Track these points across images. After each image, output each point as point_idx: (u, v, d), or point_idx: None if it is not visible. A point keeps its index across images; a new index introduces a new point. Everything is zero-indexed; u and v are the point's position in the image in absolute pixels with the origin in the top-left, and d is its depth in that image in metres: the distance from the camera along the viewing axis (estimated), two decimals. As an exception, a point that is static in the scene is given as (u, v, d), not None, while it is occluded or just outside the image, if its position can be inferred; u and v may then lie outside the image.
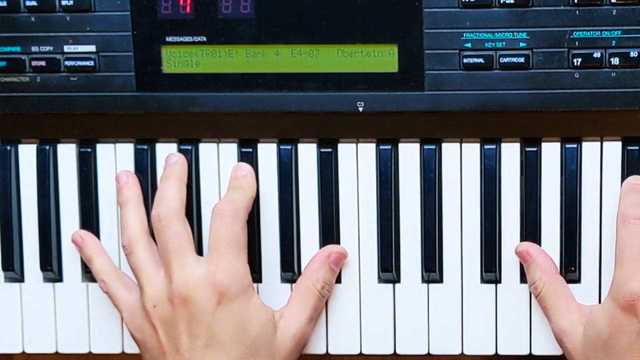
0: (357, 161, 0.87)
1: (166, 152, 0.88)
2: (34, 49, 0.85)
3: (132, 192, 0.87)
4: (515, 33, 0.82)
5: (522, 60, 0.82)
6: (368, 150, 0.87)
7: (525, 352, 0.87)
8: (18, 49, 0.85)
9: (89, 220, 0.88)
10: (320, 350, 0.88)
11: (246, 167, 0.87)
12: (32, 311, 0.90)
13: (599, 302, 0.86)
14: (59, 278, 0.90)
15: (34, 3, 0.85)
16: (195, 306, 0.82)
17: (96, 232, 0.89)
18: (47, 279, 0.90)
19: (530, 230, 0.86)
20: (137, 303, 0.85)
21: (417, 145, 0.86)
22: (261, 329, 0.83)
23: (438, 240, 0.87)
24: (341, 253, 0.87)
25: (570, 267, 0.85)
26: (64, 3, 0.84)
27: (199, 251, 0.88)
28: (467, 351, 0.87)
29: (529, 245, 0.85)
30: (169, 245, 0.83)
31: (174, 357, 0.82)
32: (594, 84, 0.83)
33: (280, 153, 0.87)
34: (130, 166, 0.88)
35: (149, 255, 0.85)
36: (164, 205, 0.84)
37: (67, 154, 0.89)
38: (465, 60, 0.83)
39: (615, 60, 0.82)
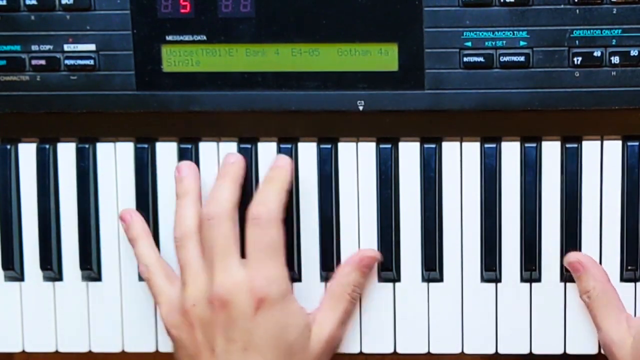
0: (357, 160, 0.87)
1: (166, 151, 0.88)
2: (34, 47, 0.85)
3: (192, 185, 0.86)
4: (515, 32, 0.82)
5: (522, 59, 0.82)
6: (368, 149, 0.87)
7: (526, 351, 0.87)
8: (18, 47, 0.85)
9: (86, 217, 0.88)
10: (320, 349, 0.88)
11: (285, 159, 0.86)
12: (32, 310, 0.90)
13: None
14: (59, 277, 0.90)
15: (34, 2, 0.85)
16: (235, 311, 0.81)
17: (95, 231, 0.89)
18: (47, 278, 0.90)
19: (530, 229, 0.86)
20: (176, 298, 0.84)
21: (417, 144, 0.86)
22: (298, 334, 0.83)
23: (438, 239, 0.87)
24: (373, 257, 0.86)
25: (570, 266, 0.86)
26: (64, 2, 0.84)
27: (199, 250, 0.88)
28: (467, 350, 0.87)
29: (581, 256, 0.84)
30: (215, 245, 0.83)
31: (209, 357, 0.82)
32: (594, 83, 0.83)
33: (280, 152, 0.87)
34: (130, 165, 0.88)
35: (198, 253, 0.84)
36: (216, 203, 0.83)
37: (67, 153, 0.89)
38: (465, 59, 0.83)
39: (615, 59, 0.82)
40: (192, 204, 0.85)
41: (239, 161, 0.86)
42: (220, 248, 0.82)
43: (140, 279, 0.89)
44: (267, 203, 0.83)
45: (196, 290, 0.83)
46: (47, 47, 0.85)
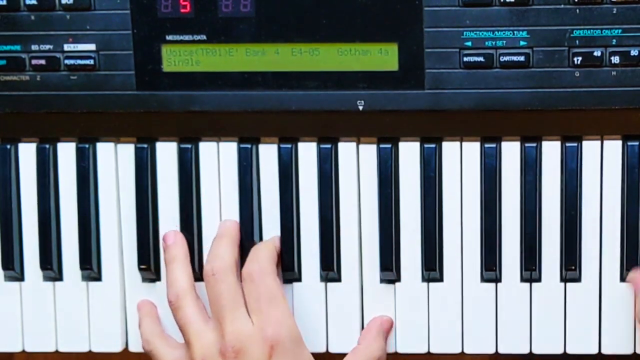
0: (358, 160, 0.87)
1: (166, 151, 0.88)
2: (34, 47, 0.85)
3: (180, 250, 0.87)
4: (515, 32, 0.82)
5: (522, 59, 0.82)
6: (368, 149, 0.87)
7: (526, 351, 0.87)
8: (18, 47, 0.85)
9: (86, 217, 0.88)
10: (320, 348, 0.88)
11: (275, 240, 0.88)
12: (32, 310, 0.90)
13: (600, 302, 0.86)
14: (59, 277, 0.90)
15: (34, 2, 0.85)
16: (248, 358, 0.82)
17: (95, 231, 0.89)
18: (47, 278, 0.90)
19: (530, 229, 0.86)
20: (183, 358, 0.85)
21: (417, 144, 0.86)
22: None
23: (438, 239, 0.87)
24: (390, 322, 0.88)
25: (570, 266, 0.85)
26: (64, 2, 0.84)
27: (200, 252, 0.88)
28: (468, 350, 0.87)
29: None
30: (222, 299, 0.84)
31: None
32: (594, 83, 0.83)
33: (280, 152, 0.87)
34: (131, 165, 0.88)
35: (196, 310, 0.85)
36: (218, 259, 0.85)
37: (67, 153, 0.89)
38: (465, 59, 0.83)
39: (615, 59, 0.82)
40: (182, 267, 0.87)
41: (235, 224, 0.87)
42: (227, 300, 0.84)
43: (141, 279, 0.89)
44: (259, 260, 0.85)
45: (203, 346, 0.84)
46: (47, 46, 0.85)
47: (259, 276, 0.84)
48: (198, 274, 0.88)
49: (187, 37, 0.85)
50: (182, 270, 0.87)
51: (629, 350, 0.87)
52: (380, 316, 0.87)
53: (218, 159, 0.88)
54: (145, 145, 0.88)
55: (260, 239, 0.88)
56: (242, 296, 0.84)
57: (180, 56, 0.85)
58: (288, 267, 0.88)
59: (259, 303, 0.83)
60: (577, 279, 0.86)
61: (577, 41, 0.82)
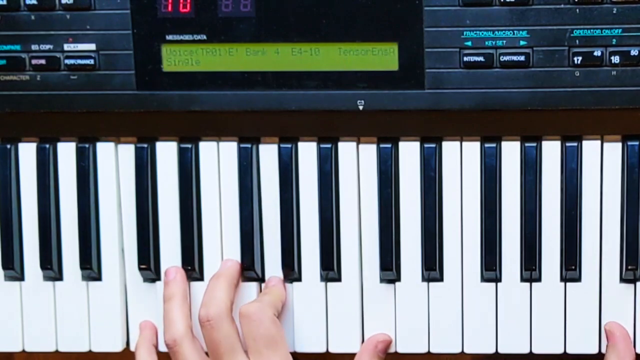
0: (358, 160, 0.87)
1: (166, 151, 0.88)
2: (34, 47, 0.85)
3: (179, 288, 0.87)
4: (515, 31, 0.82)
5: (522, 58, 0.82)
6: (368, 149, 0.87)
7: (526, 350, 0.87)
8: (18, 47, 0.85)
9: (86, 217, 0.88)
10: (320, 348, 0.88)
11: (275, 279, 0.88)
12: (32, 310, 0.90)
13: (600, 302, 0.86)
14: (59, 277, 0.90)
15: (34, 1, 0.85)
16: None
17: (95, 231, 0.89)
18: (47, 278, 0.90)
19: (530, 229, 0.86)
20: None
21: (417, 144, 0.86)
22: None
23: (438, 239, 0.87)
24: (387, 341, 0.87)
25: (570, 266, 0.85)
26: (64, 1, 0.84)
27: (200, 252, 0.88)
28: (468, 350, 0.87)
29: (617, 327, 0.85)
30: (220, 347, 0.84)
31: None
32: (594, 83, 0.82)
33: (280, 151, 0.87)
34: (131, 165, 0.88)
35: (195, 354, 0.85)
36: (214, 305, 0.84)
37: (67, 153, 0.89)
38: (465, 59, 0.83)
39: (615, 59, 0.82)
40: (179, 306, 0.86)
41: (234, 265, 0.87)
42: (225, 348, 0.84)
43: (141, 279, 0.89)
44: (260, 300, 0.85)
45: None
46: (47, 46, 0.85)
47: (258, 318, 0.84)
48: (197, 275, 0.88)
49: (187, 37, 0.85)
50: (180, 310, 0.86)
51: (629, 350, 0.87)
52: (376, 335, 0.87)
53: (218, 159, 0.88)
54: (146, 145, 0.88)
55: (261, 239, 0.88)
56: (238, 340, 0.85)
57: (181, 56, 0.85)
58: (288, 267, 0.88)
59: (258, 345, 0.84)
60: (577, 279, 0.86)
61: (577, 41, 0.82)
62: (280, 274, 0.88)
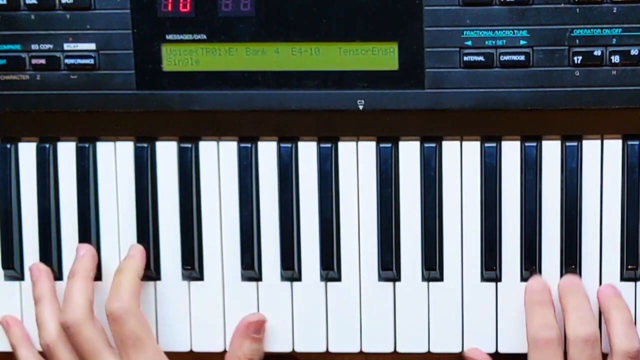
0: (357, 159, 0.87)
1: (166, 150, 0.88)
2: (34, 47, 0.85)
3: (45, 288, 0.87)
4: (515, 31, 0.82)
5: (522, 58, 0.82)
6: (368, 149, 0.87)
7: (526, 350, 0.87)
8: (18, 47, 0.85)
9: (86, 217, 0.88)
10: (320, 348, 0.88)
11: (136, 249, 0.87)
12: (32, 309, 0.90)
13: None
14: (58, 276, 0.90)
15: (34, 1, 0.85)
16: None
17: (95, 230, 0.89)
18: (47, 277, 0.90)
19: (530, 228, 0.86)
20: None
21: (417, 144, 0.86)
22: None
23: (438, 239, 0.87)
24: (258, 321, 0.87)
25: (570, 265, 0.85)
26: (64, 1, 0.84)
27: (200, 252, 0.88)
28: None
29: (477, 354, 0.86)
30: (84, 352, 0.84)
31: None
32: (594, 82, 0.82)
33: (280, 151, 0.87)
34: (131, 164, 0.88)
35: (69, 354, 0.85)
36: (70, 311, 0.84)
37: (67, 152, 0.89)
38: (465, 58, 0.83)
39: (615, 58, 0.82)
40: (48, 309, 0.86)
41: (88, 254, 0.87)
42: (89, 352, 0.84)
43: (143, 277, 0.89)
44: (120, 297, 0.84)
45: None
46: (47, 46, 0.85)
47: (121, 317, 0.84)
48: (197, 275, 0.88)
49: (187, 37, 0.85)
50: (50, 311, 0.86)
51: (629, 350, 0.87)
52: (249, 316, 0.87)
53: (218, 159, 0.88)
54: (145, 145, 0.88)
55: (259, 239, 0.88)
56: (103, 339, 0.84)
57: (180, 55, 0.85)
58: (288, 267, 0.88)
59: (125, 346, 0.84)
60: (577, 279, 0.86)
61: (577, 40, 0.82)
62: (280, 274, 0.88)
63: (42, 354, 0.88)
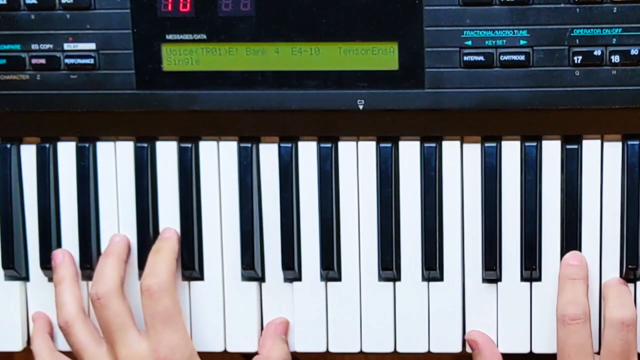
0: (358, 159, 0.87)
1: (166, 150, 0.88)
2: (34, 46, 0.85)
3: (68, 270, 0.88)
4: (515, 31, 0.82)
5: (522, 58, 0.82)
6: (368, 148, 0.87)
7: (526, 350, 0.87)
8: (18, 47, 0.85)
9: (86, 216, 0.88)
10: (320, 348, 0.88)
11: (170, 231, 0.87)
12: (32, 309, 0.90)
13: (600, 300, 0.86)
14: (59, 276, 0.90)
15: (34, 1, 0.85)
16: None
17: (95, 230, 0.89)
18: (47, 277, 0.90)
19: (531, 228, 0.85)
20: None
21: (417, 143, 0.86)
22: None
23: (438, 239, 0.87)
24: (285, 322, 0.88)
25: (570, 265, 0.86)
26: (63, 1, 0.84)
27: (200, 251, 0.88)
28: (468, 349, 0.87)
29: (478, 335, 0.86)
30: (111, 325, 0.84)
31: None
32: (594, 82, 0.82)
33: (280, 151, 0.87)
34: (130, 164, 0.88)
35: (88, 334, 0.86)
36: (102, 283, 0.85)
37: (67, 152, 0.89)
38: (465, 58, 0.83)
39: (615, 58, 0.82)
40: (69, 289, 0.87)
41: (123, 240, 0.88)
42: (116, 325, 0.84)
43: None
44: (157, 274, 0.85)
45: None
46: (47, 46, 0.85)
47: (156, 293, 0.84)
48: (197, 275, 0.88)
49: (187, 36, 0.85)
50: (70, 292, 0.87)
51: (629, 350, 0.87)
52: (273, 320, 0.88)
53: (218, 158, 0.88)
54: (145, 145, 0.88)
55: (261, 238, 0.88)
56: (131, 318, 0.85)
57: (180, 55, 0.85)
58: (288, 267, 0.88)
59: (154, 322, 0.84)
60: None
61: (577, 40, 0.82)
62: (280, 274, 0.88)
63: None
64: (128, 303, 0.86)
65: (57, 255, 0.88)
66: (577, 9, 0.81)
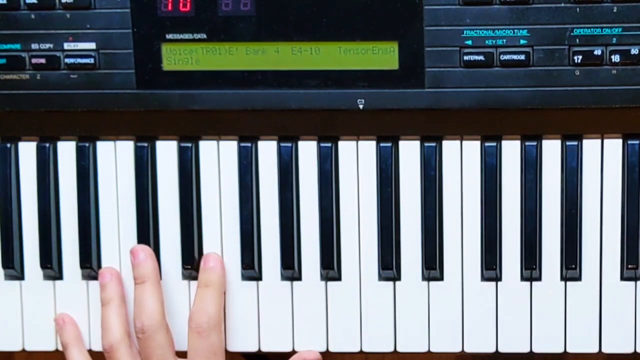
0: (358, 159, 0.87)
1: (166, 150, 0.88)
2: (34, 46, 0.85)
3: (115, 292, 0.87)
4: (515, 30, 0.82)
5: (522, 57, 0.82)
6: (368, 148, 0.87)
7: (526, 349, 0.87)
8: (18, 46, 0.85)
9: (86, 216, 0.88)
10: (320, 348, 0.88)
11: (213, 258, 0.87)
12: (32, 309, 0.90)
13: (600, 300, 0.86)
14: (59, 276, 0.90)
15: (34, 1, 0.85)
16: None
17: (95, 230, 0.89)
18: (47, 277, 0.90)
19: (531, 228, 0.86)
20: None
21: (417, 143, 0.86)
22: None
23: (438, 238, 0.87)
24: (316, 358, 0.88)
25: (570, 265, 0.85)
26: (64, 0, 0.84)
27: (200, 251, 0.88)
28: (468, 349, 0.87)
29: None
30: (153, 356, 0.85)
31: None
32: (594, 82, 0.83)
33: (280, 151, 0.87)
34: (130, 164, 0.88)
35: (131, 358, 0.86)
36: (146, 316, 0.85)
37: (67, 152, 0.89)
38: (465, 58, 0.83)
39: (615, 58, 0.82)
40: (116, 311, 0.87)
41: (154, 264, 0.87)
42: (157, 357, 0.85)
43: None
44: (207, 310, 0.85)
45: None
46: (47, 45, 0.85)
47: (205, 331, 0.84)
48: (197, 274, 0.88)
49: (187, 36, 0.85)
50: (117, 314, 0.86)
51: (629, 349, 0.87)
52: (302, 353, 0.88)
53: (218, 158, 0.88)
54: (146, 144, 0.88)
55: (259, 238, 0.88)
56: (172, 350, 0.85)
57: (181, 55, 0.85)
58: (288, 266, 0.88)
59: (198, 357, 0.84)
60: (578, 278, 0.86)
61: (577, 40, 0.82)
62: (280, 273, 0.88)
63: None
64: (171, 335, 0.86)
65: (105, 274, 0.87)
66: (577, 9, 0.82)
